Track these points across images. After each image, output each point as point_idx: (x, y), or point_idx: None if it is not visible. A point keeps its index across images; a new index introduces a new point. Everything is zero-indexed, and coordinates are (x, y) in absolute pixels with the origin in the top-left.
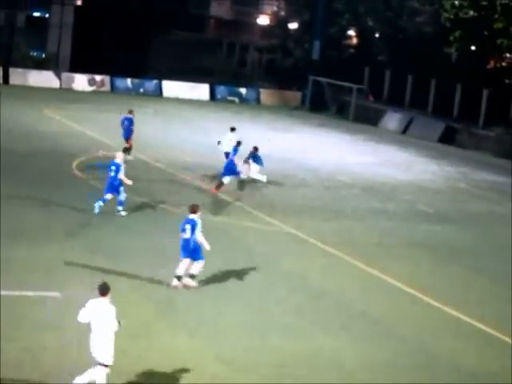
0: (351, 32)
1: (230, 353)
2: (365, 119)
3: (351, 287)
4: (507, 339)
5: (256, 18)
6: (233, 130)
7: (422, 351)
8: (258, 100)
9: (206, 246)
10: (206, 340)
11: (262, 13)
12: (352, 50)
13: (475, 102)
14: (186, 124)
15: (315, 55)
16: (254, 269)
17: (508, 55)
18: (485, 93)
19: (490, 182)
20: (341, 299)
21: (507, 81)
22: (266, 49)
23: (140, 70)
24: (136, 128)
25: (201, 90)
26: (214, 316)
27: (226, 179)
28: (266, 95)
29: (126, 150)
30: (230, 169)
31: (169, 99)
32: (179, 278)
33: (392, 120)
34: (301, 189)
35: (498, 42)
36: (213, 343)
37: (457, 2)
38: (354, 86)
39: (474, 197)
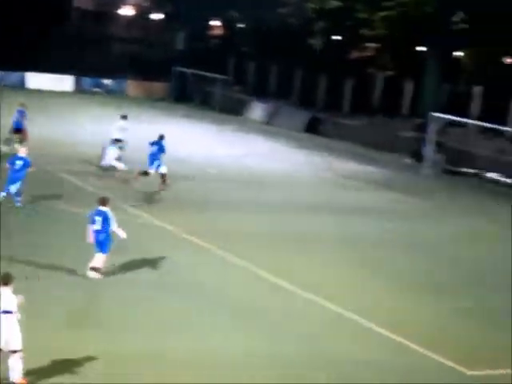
0: (216, 23)
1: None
2: (230, 110)
3: (226, 280)
4: (373, 326)
5: (119, 9)
6: (124, 117)
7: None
8: (123, 91)
9: (122, 234)
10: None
11: (125, 4)
12: (217, 41)
13: (339, 92)
14: (51, 116)
15: (180, 46)
16: (126, 264)
17: (370, 45)
18: (348, 83)
19: (355, 171)
20: (220, 293)
21: (370, 70)
22: (131, 40)
23: (2, 63)
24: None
25: (65, 82)
26: (109, 314)
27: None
28: (132, 86)
29: (21, 142)
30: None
31: (32, 91)
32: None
33: (257, 110)
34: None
35: (361, 32)
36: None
37: None
38: (219, 77)
39: (340, 186)
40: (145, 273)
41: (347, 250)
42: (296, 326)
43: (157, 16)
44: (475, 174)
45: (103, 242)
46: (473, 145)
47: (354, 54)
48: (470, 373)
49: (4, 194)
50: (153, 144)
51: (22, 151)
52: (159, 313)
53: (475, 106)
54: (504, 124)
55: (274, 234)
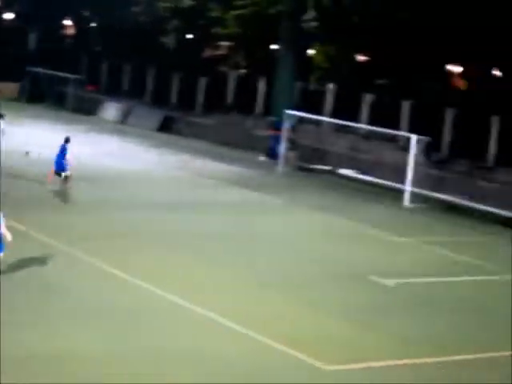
0: (68, 22)
1: None
2: (83, 110)
3: (77, 279)
4: (227, 322)
5: None
6: (1, 116)
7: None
8: None
9: (9, 237)
10: None
11: None
12: (69, 40)
13: (193, 91)
14: None
15: (32, 46)
16: None
17: (223, 44)
18: (202, 81)
19: (209, 169)
20: (73, 293)
21: (223, 69)
22: None
23: None
24: None
25: None
26: None
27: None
28: None
29: None
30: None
31: None
32: None
33: (110, 110)
34: (21, 181)
35: (214, 30)
36: None
37: None
38: (72, 77)
39: (194, 185)
40: None
41: (199, 246)
42: (148, 323)
43: (8, 16)
44: (328, 171)
45: None
46: (326, 142)
47: (208, 53)
48: (327, 368)
49: None
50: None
51: None
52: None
53: (328, 103)
54: (357, 121)
55: (127, 233)
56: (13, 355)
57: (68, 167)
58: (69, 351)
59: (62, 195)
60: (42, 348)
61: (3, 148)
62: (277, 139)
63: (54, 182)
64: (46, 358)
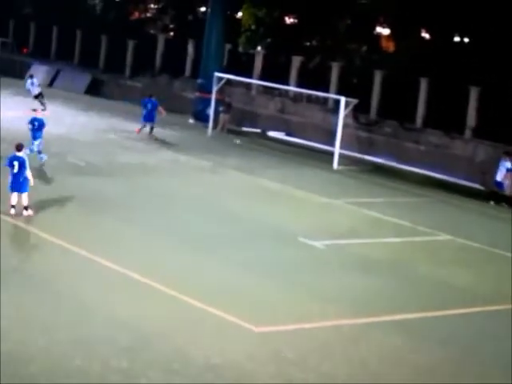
0: None
1: None
2: (10, 73)
3: (3, 245)
4: (158, 285)
5: None
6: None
7: (78, 304)
8: None
9: (32, 181)
10: None
11: None
12: None
13: (121, 54)
14: None
15: None
16: None
17: (152, 6)
18: (130, 44)
19: (141, 132)
20: None
21: (152, 31)
22: None
23: None
24: None
25: None
26: None
27: None
28: None
29: None
30: None
31: None
32: (14, 206)
33: (38, 73)
34: None
35: None
36: None
37: None
38: None
39: (124, 148)
40: None
41: (121, 208)
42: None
43: None
44: (258, 134)
45: (22, 184)
46: (255, 104)
47: (136, 15)
48: (258, 330)
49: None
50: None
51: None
52: None
53: (257, 65)
54: (286, 83)
55: (59, 198)
56: None
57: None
58: None
59: None
60: None
61: None
62: (206, 102)
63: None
64: None
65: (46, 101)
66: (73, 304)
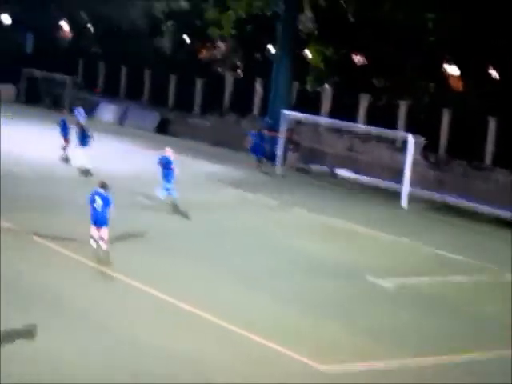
0: (64, 25)
1: None
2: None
3: (62, 280)
4: (216, 320)
5: None
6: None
7: (132, 339)
8: None
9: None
10: None
11: None
12: (66, 43)
13: (189, 93)
14: None
15: (28, 49)
16: None
17: (220, 45)
18: (198, 83)
19: (208, 171)
20: (54, 294)
21: (220, 70)
22: None
23: None
24: None
25: None
26: None
27: None
28: None
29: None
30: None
31: None
32: (93, 237)
33: (107, 111)
34: (18, 181)
35: (210, 32)
36: None
37: None
38: (68, 78)
39: (191, 185)
40: None
41: (190, 242)
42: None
43: (4, 18)
44: (326, 172)
45: (103, 219)
46: (323, 143)
47: (204, 55)
48: (322, 369)
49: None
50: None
51: (169, 151)
52: None
53: (325, 104)
54: (354, 121)
55: (126, 234)
56: None
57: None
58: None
59: (51, 197)
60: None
61: None
62: (274, 140)
63: None
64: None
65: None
66: (127, 339)
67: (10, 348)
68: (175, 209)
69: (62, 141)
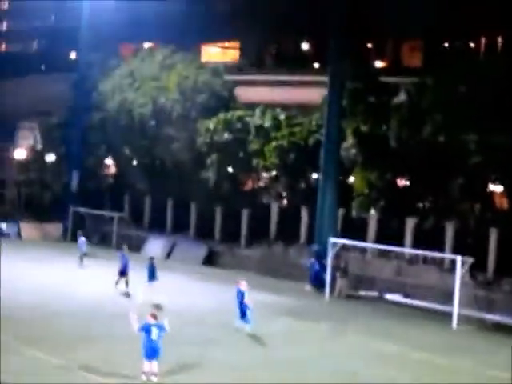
0: (109, 161)
1: None
2: (128, 247)
3: None
4: None
5: (12, 153)
6: None
7: None
8: (19, 234)
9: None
10: None
11: (18, 147)
12: (111, 179)
13: (236, 223)
14: None
15: (74, 186)
16: None
17: (264, 175)
18: (244, 213)
19: (258, 300)
20: None
21: (265, 200)
22: (25, 183)
23: None
24: None
25: None
26: None
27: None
28: (26, 229)
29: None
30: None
31: None
32: (145, 373)
33: (155, 246)
34: (66, 319)
35: (254, 162)
36: None
37: (211, 126)
38: (115, 215)
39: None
40: None
41: (245, 374)
42: None
43: (50, 157)
44: (375, 297)
45: (156, 350)
46: (371, 268)
47: (249, 185)
48: None
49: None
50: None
51: (243, 284)
52: None
53: (371, 229)
54: (401, 245)
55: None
56: None
57: None
58: None
59: (102, 332)
60: None
61: None
62: (322, 267)
63: None
64: None
65: (86, 262)
66: None
67: None
68: (243, 339)
69: (120, 276)
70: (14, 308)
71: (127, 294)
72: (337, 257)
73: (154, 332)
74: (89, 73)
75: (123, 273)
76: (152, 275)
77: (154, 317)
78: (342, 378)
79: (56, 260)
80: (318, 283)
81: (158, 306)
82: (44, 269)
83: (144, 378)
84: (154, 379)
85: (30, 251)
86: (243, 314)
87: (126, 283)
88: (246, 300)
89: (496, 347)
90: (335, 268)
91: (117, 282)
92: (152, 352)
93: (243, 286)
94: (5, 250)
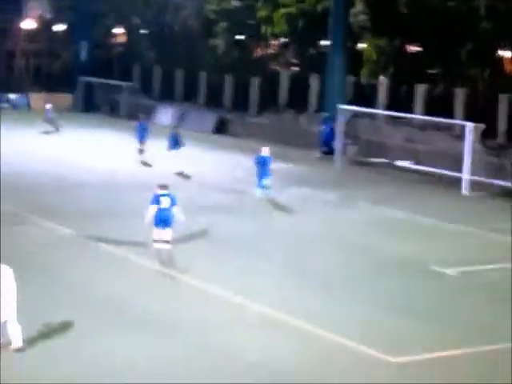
0: (118, 30)
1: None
2: (137, 117)
3: (136, 287)
4: (292, 321)
5: (20, 23)
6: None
7: (211, 344)
8: (28, 105)
9: (182, 217)
10: None
11: (26, 17)
12: (120, 49)
13: (245, 92)
14: None
15: (83, 56)
16: (31, 277)
17: (273, 42)
18: (254, 81)
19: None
20: (127, 300)
21: (275, 68)
22: (33, 53)
23: None
24: None
25: None
26: None
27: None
28: (36, 100)
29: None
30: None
31: None
32: (156, 241)
33: (164, 115)
34: (77, 190)
35: (263, 30)
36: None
37: None
38: (124, 84)
39: (251, 184)
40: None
41: (252, 246)
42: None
43: (59, 27)
44: (385, 164)
45: (167, 219)
46: (381, 135)
47: (258, 53)
48: (397, 361)
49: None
50: None
51: (265, 151)
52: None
53: (381, 96)
54: (411, 112)
55: (189, 236)
56: None
57: None
58: None
59: (112, 204)
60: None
61: None
62: (331, 135)
63: None
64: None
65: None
66: (213, 348)
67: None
68: (255, 207)
69: (138, 145)
70: (26, 178)
71: (145, 163)
72: (347, 124)
73: (164, 201)
74: None
75: (142, 141)
76: (176, 144)
77: (163, 187)
78: (349, 245)
79: (67, 131)
80: (328, 150)
81: (181, 174)
82: (55, 139)
83: (156, 245)
84: (167, 246)
85: (40, 122)
86: (263, 181)
87: (141, 152)
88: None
89: (505, 213)
90: (345, 135)
91: (141, 151)
92: (163, 220)
93: (266, 152)
94: (15, 120)
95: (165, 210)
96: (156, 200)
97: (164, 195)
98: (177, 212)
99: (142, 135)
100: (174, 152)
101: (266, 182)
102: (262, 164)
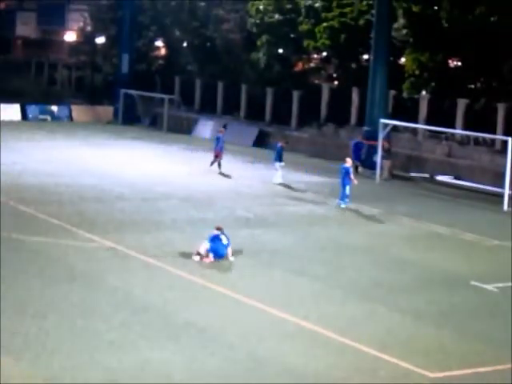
0: (159, 43)
1: (59, 373)
2: (178, 129)
3: (175, 298)
4: (332, 335)
5: (63, 36)
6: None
7: (250, 356)
8: (70, 117)
9: (232, 258)
10: (33, 362)
11: (68, 29)
12: (161, 61)
13: (286, 105)
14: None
15: (124, 69)
16: (76, 287)
17: (315, 56)
18: (295, 95)
19: (307, 182)
20: (165, 311)
21: (316, 81)
22: (75, 65)
23: None
24: None
25: (11, 111)
26: (41, 337)
27: None
28: (77, 112)
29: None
30: None
31: None
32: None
33: (205, 128)
34: (119, 203)
35: (305, 43)
36: (40, 365)
37: (262, 7)
38: (166, 97)
39: (292, 199)
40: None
41: (309, 264)
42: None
43: (100, 40)
44: (425, 178)
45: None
46: (422, 149)
47: (300, 67)
48: (432, 375)
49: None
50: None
51: (348, 161)
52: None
53: (422, 110)
54: (452, 127)
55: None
56: None
57: None
58: None
59: (150, 216)
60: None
61: None
62: (373, 149)
63: None
64: None
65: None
66: (245, 355)
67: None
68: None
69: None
70: (67, 189)
71: (223, 174)
72: (385, 138)
73: (224, 239)
74: None
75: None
76: (279, 157)
77: (219, 229)
78: (389, 259)
79: (108, 143)
80: (367, 164)
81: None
82: (96, 151)
83: (195, 257)
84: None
85: (81, 134)
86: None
87: (219, 165)
88: (351, 177)
89: None
90: (384, 149)
91: (219, 164)
92: (219, 255)
93: (348, 163)
94: (57, 132)
95: (224, 245)
96: (217, 238)
97: (223, 234)
98: (229, 252)
99: (221, 147)
100: (277, 165)
101: (348, 193)
102: (345, 174)
